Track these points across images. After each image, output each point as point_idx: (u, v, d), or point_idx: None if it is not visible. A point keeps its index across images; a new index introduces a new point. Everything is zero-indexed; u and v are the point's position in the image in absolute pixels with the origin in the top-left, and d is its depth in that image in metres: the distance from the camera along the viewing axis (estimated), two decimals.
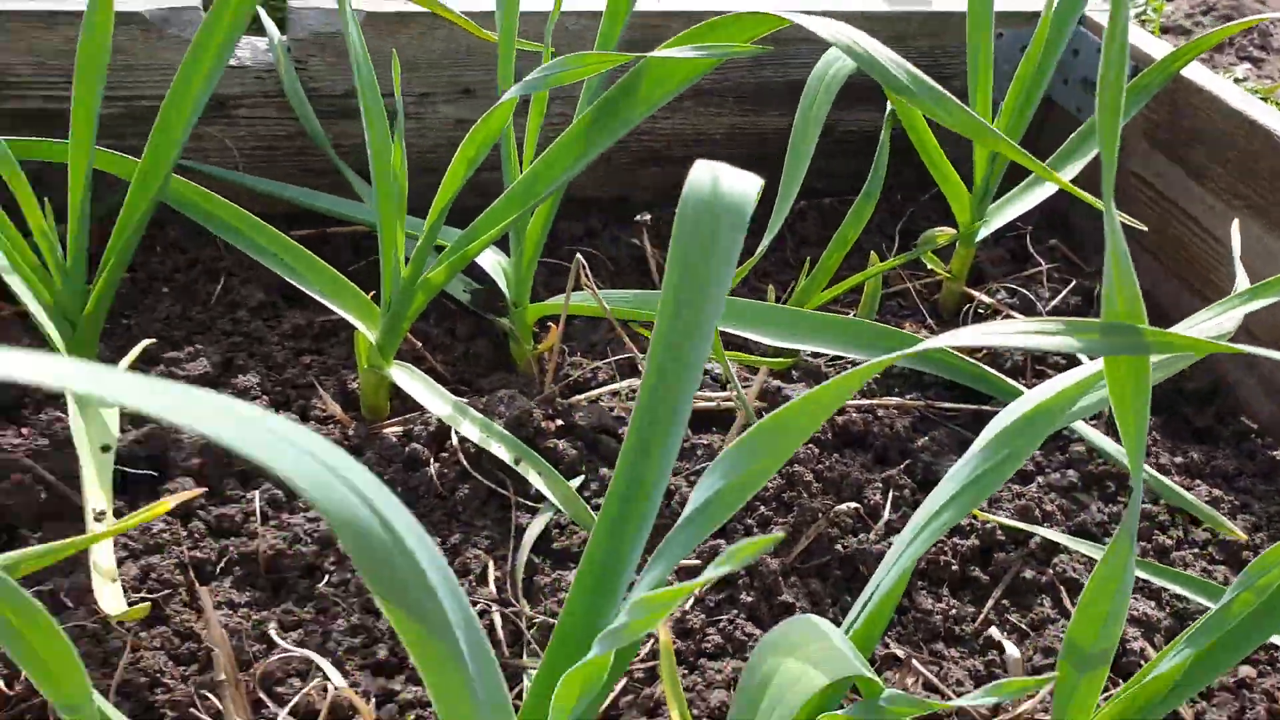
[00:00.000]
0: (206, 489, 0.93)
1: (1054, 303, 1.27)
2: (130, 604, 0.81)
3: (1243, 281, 0.94)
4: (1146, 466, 1.05)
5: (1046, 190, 1.22)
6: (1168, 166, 1.30)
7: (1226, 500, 1.06)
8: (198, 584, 0.88)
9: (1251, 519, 1.06)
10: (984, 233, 1.23)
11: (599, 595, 0.58)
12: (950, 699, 0.74)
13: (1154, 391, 1.21)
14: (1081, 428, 1.06)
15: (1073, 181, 1.08)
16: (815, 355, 1.16)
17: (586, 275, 1.02)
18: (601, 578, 0.58)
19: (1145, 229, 1.18)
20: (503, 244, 1.13)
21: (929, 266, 1.26)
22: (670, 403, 0.58)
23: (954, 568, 0.98)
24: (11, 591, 0.49)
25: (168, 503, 0.77)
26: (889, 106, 1.18)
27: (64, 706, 0.54)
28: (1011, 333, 0.59)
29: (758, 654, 0.55)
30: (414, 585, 0.43)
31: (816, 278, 1.17)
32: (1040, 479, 1.08)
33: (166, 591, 0.87)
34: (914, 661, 0.88)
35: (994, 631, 0.93)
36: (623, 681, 0.86)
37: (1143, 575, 0.92)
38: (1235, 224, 1.05)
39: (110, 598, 0.79)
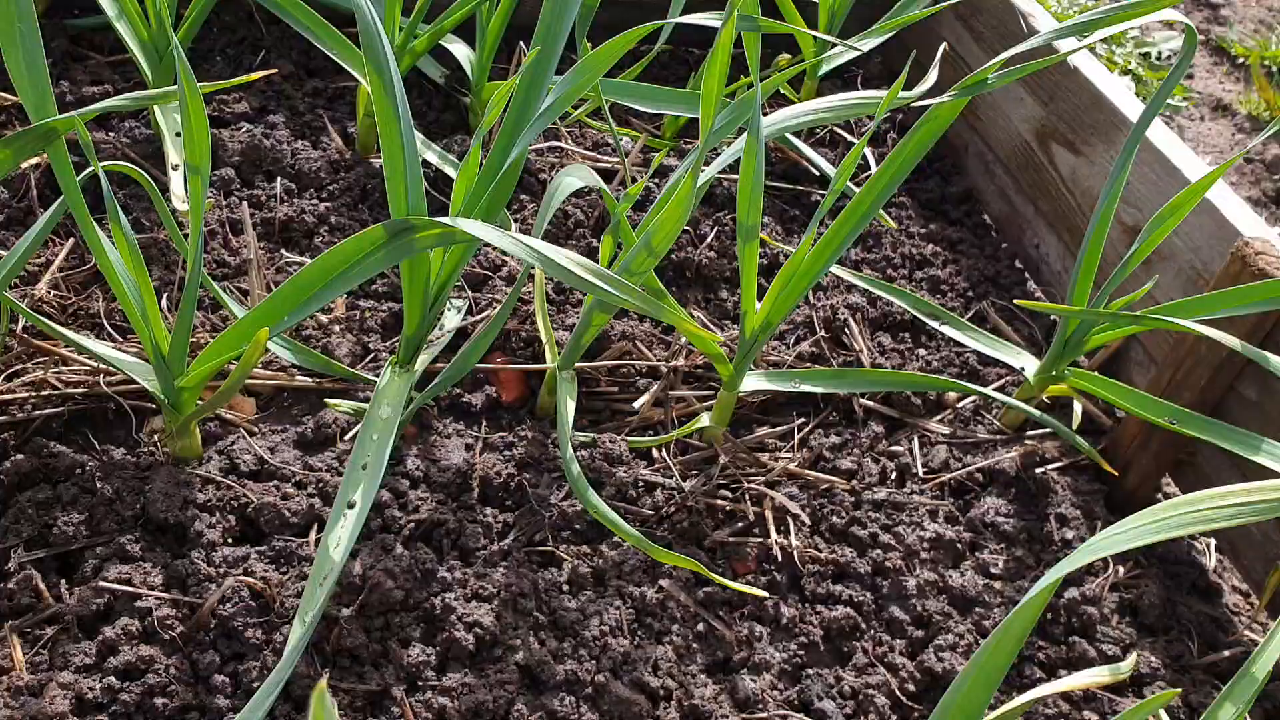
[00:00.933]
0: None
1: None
2: None
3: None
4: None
5: (872, 42, 1.63)
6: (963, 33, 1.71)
7: (943, 253, 1.52)
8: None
9: (953, 262, 1.51)
10: (825, 69, 1.64)
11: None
12: None
13: (925, 195, 1.65)
14: None
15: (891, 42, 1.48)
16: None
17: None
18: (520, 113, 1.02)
19: None
20: (471, 40, 1.54)
21: (783, 92, 1.68)
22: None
23: None
24: None
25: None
26: None
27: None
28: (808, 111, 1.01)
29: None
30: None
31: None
32: None
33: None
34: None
35: None
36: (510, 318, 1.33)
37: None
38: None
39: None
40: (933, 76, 1.21)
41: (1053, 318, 1.50)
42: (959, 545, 1.22)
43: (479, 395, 1.27)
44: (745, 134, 1.10)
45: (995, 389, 1.39)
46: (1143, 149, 1.33)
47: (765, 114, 1.39)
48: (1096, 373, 1.33)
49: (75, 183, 0.95)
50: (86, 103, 1.43)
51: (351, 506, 0.97)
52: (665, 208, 0.91)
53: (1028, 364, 1.34)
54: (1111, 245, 1.36)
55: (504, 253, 1.43)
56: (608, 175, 1.58)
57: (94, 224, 0.97)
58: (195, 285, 0.99)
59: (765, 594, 1.07)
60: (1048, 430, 1.34)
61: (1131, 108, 1.40)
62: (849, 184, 1.48)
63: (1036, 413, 1.28)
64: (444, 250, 1.08)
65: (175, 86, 0.92)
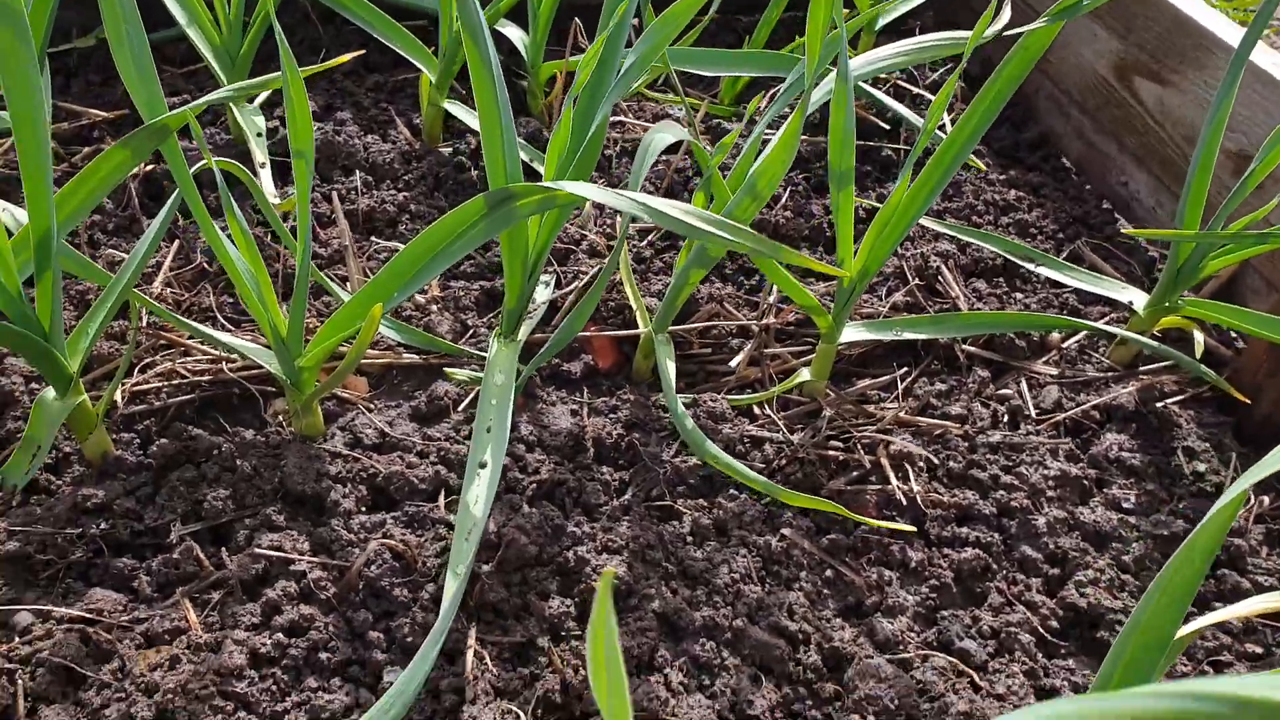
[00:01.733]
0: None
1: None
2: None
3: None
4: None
5: None
6: None
7: (1026, 197, 1.64)
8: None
9: (1038, 206, 1.63)
10: (882, 23, 1.78)
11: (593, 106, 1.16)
12: None
13: (999, 143, 1.78)
14: None
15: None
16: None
17: (582, 36, 1.59)
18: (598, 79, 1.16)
19: None
20: (524, 23, 1.70)
21: None
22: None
23: None
24: None
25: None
26: None
27: None
28: (890, 55, 1.14)
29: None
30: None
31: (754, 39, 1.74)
32: None
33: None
34: None
35: None
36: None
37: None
38: None
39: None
40: (1006, 13, 1.34)
41: (1151, 252, 1.62)
42: (1085, 482, 1.33)
43: (577, 364, 1.41)
44: (829, 80, 1.23)
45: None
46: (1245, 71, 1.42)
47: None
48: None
49: (189, 178, 1.09)
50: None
51: (483, 466, 1.10)
52: (771, 150, 1.04)
53: (1136, 298, 1.45)
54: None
55: (582, 227, 1.57)
56: (672, 144, 1.72)
57: (210, 217, 1.12)
58: (307, 267, 1.14)
59: (912, 528, 1.18)
60: (1162, 364, 1.45)
61: (1222, 28, 1.49)
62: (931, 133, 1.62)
63: (1155, 344, 1.39)
64: (539, 220, 1.22)
65: (276, 74, 1.07)
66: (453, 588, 0.97)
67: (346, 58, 1.14)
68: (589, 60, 1.06)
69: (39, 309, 1.03)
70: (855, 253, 1.26)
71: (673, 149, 1.69)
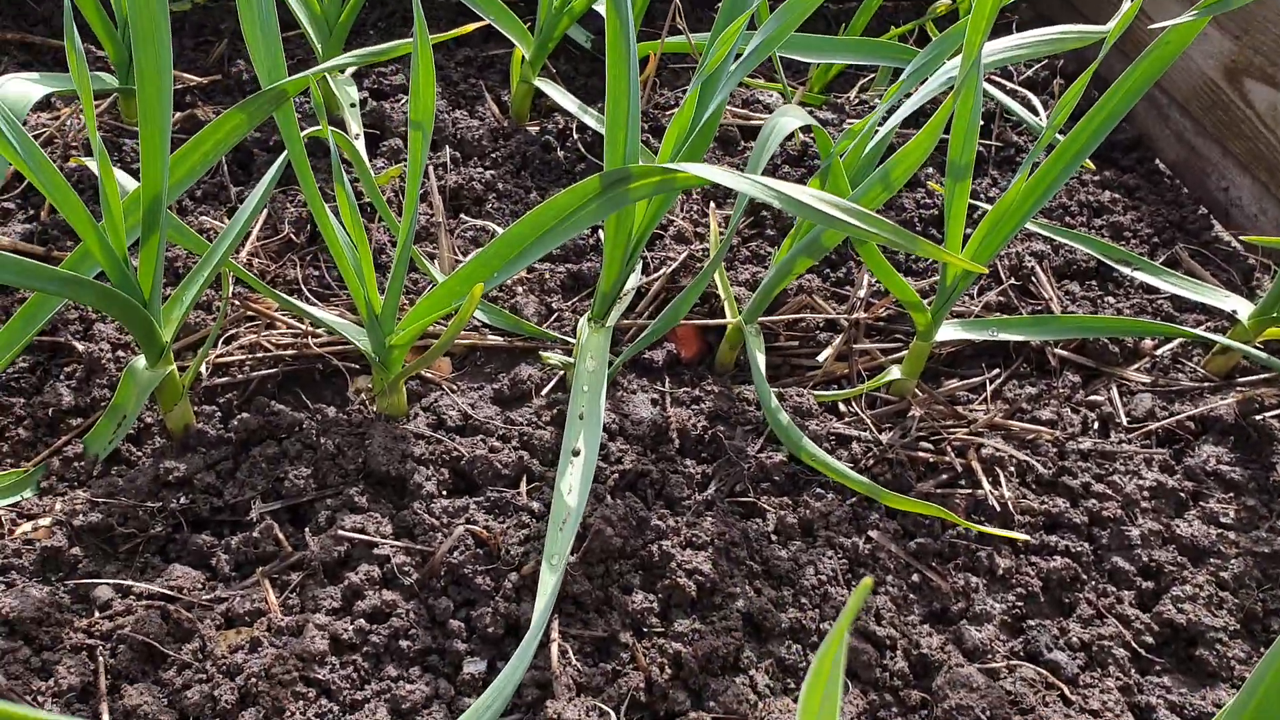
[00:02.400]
0: None
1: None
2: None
3: None
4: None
5: None
6: None
7: (1121, 199, 1.54)
8: None
9: (1132, 209, 1.54)
10: None
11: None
12: None
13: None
14: None
15: None
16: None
17: (681, 18, 1.51)
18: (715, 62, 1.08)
19: None
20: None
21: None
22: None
23: None
24: None
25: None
26: None
27: None
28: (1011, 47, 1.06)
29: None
30: None
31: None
32: None
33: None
34: None
35: None
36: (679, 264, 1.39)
37: None
38: None
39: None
40: (1125, 7, 1.25)
41: (1250, 260, 1.52)
42: (1181, 494, 1.24)
43: (659, 352, 1.34)
44: (943, 71, 1.15)
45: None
46: None
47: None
48: None
49: (301, 146, 1.04)
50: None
51: (576, 454, 1.04)
52: (914, 139, 0.96)
53: (1239, 306, 1.36)
54: None
55: (669, 212, 1.50)
56: (759, 132, 1.64)
57: (316, 186, 1.06)
58: (410, 242, 1.07)
59: (1024, 536, 1.11)
60: (1261, 376, 1.35)
61: None
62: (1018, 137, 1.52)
63: (1263, 355, 1.30)
64: (645, 204, 1.15)
65: (406, 40, 1.01)
66: (550, 581, 0.91)
67: (470, 27, 1.08)
68: (726, 39, 0.98)
69: (141, 274, 0.98)
70: (962, 248, 1.18)
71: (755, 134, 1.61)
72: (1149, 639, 1.12)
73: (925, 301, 1.24)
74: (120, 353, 1.22)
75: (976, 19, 0.96)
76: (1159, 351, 1.41)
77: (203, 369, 1.20)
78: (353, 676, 0.98)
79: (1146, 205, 1.61)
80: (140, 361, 1.08)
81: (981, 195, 1.59)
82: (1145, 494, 1.24)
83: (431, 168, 1.48)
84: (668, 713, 1.00)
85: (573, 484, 1.01)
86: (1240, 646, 1.12)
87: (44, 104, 1.48)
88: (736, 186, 0.88)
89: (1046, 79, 1.80)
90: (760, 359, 1.23)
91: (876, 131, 1.19)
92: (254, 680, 0.94)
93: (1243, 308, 1.36)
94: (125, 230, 0.98)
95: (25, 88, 1.22)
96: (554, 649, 1.02)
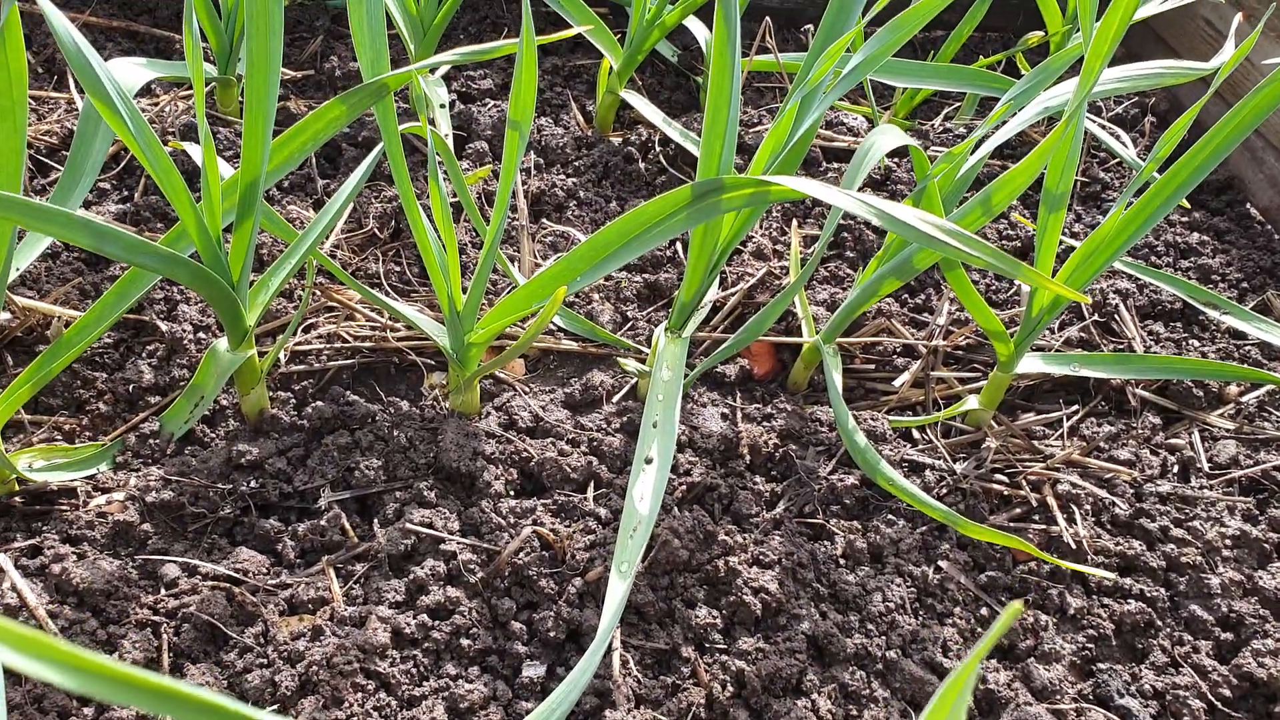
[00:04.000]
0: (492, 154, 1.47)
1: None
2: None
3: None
4: None
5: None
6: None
7: (1210, 242, 1.48)
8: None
9: (1221, 252, 1.47)
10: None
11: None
12: None
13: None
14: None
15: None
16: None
17: (770, 37, 1.48)
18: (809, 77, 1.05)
19: None
20: (708, 21, 1.60)
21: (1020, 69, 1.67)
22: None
23: None
24: None
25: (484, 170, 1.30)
26: None
27: None
28: (1113, 80, 1.02)
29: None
30: None
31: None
32: None
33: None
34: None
35: None
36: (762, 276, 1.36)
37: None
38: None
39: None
40: (1230, 46, 1.20)
41: None
42: (1265, 545, 1.17)
43: (731, 367, 1.30)
44: (1034, 105, 1.11)
45: None
46: None
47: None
48: None
49: (399, 141, 1.02)
50: (354, 77, 1.54)
51: (649, 462, 1.01)
52: (1019, 165, 0.92)
53: None
54: None
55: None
56: (843, 155, 1.61)
57: (409, 180, 1.05)
58: (498, 241, 1.05)
59: (1109, 575, 1.05)
60: None
61: None
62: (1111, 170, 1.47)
63: None
64: (733, 216, 1.11)
65: (512, 40, 0.99)
66: (619, 588, 0.88)
67: (571, 32, 1.05)
68: (831, 55, 0.95)
69: (232, 257, 0.97)
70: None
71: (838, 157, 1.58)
72: (1226, 692, 1.06)
73: (1008, 332, 1.19)
74: (201, 334, 1.21)
75: (1099, 45, 0.92)
76: (1245, 399, 1.34)
77: (281, 356, 1.19)
78: (412, 672, 0.95)
79: (1236, 249, 1.54)
80: (223, 343, 1.07)
81: (1065, 230, 1.54)
82: (1227, 542, 1.17)
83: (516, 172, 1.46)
84: None
85: (644, 492, 0.97)
86: None
87: (145, 91, 1.49)
88: (836, 202, 0.84)
89: (1136, 117, 1.74)
90: (837, 378, 1.18)
91: (968, 157, 1.15)
92: (315, 668, 0.92)
93: None
94: (221, 213, 0.97)
95: (133, 71, 1.23)
96: (615, 658, 0.98)
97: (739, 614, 1.04)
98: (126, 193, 1.35)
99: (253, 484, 1.08)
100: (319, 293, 1.23)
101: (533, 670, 0.98)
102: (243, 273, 0.99)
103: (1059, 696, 1.04)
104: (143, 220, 1.31)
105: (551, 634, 0.99)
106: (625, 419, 1.19)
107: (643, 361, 1.23)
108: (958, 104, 1.71)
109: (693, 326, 1.25)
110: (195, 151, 1.19)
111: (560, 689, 0.77)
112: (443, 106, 1.42)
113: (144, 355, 1.19)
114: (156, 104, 1.43)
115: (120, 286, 1.02)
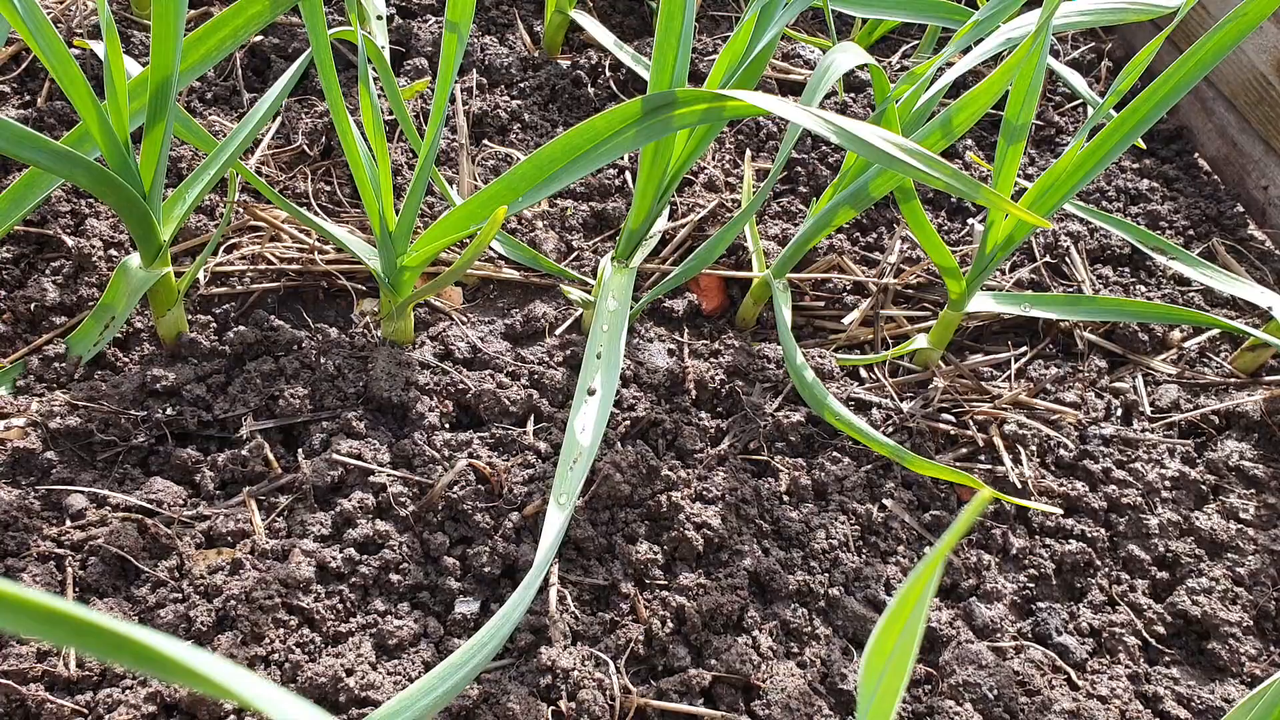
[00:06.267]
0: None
1: None
2: None
3: None
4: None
5: None
6: None
7: (1159, 189, 1.46)
8: None
9: (1170, 199, 1.46)
10: None
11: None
12: None
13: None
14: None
15: None
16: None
17: None
18: None
19: None
20: None
21: None
22: None
23: None
24: None
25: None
26: None
27: None
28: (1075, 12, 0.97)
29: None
30: None
31: None
32: None
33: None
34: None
35: None
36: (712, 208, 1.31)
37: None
38: None
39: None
40: None
41: None
42: (1203, 487, 1.17)
43: (679, 301, 1.25)
44: (1001, 33, 1.06)
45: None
46: None
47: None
48: None
49: (327, 44, 0.94)
50: None
51: (592, 394, 0.96)
52: (979, 86, 0.88)
53: (1275, 304, 1.28)
54: None
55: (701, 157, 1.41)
56: (799, 88, 1.55)
57: (339, 88, 0.97)
58: (432, 158, 0.98)
59: (1057, 510, 1.04)
60: None
61: None
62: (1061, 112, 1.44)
63: None
64: (686, 136, 1.06)
65: None
66: (557, 520, 0.83)
67: None
68: None
69: (143, 164, 0.89)
70: (1004, 218, 1.10)
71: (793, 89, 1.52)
72: (1160, 629, 1.06)
73: (961, 270, 1.16)
74: (113, 252, 1.12)
75: None
76: (1187, 344, 1.33)
77: (200, 276, 1.11)
78: (338, 607, 0.90)
79: (1184, 197, 1.53)
80: (134, 260, 0.98)
81: (1019, 172, 1.51)
82: (1166, 484, 1.17)
83: (457, 90, 1.38)
84: (666, 668, 0.93)
85: (586, 423, 0.93)
86: (1252, 643, 1.06)
87: None
88: (795, 118, 0.79)
89: (1092, 62, 1.71)
90: (786, 314, 1.14)
91: (928, 88, 1.10)
92: (233, 603, 0.86)
93: (1278, 305, 1.29)
94: (129, 114, 0.88)
95: None
96: (552, 594, 0.94)
97: (680, 550, 1.00)
98: (29, 97, 1.24)
99: (169, 411, 1.00)
100: (242, 210, 1.15)
101: (466, 606, 0.94)
102: (155, 181, 0.91)
103: (999, 635, 1.02)
104: (46, 127, 1.20)
105: (486, 570, 0.95)
106: (569, 352, 1.14)
107: (588, 293, 1.18)
108: (917, 41, 1.66)
109: (641, 256, 1.20)
110: (103, 50, 1.09)
111: (492, 622, 0.72)
112: (380, 18, 1.33)
113: (48, 272, 1.10)
114: (63, 1, 1.32)
115: (14, 191, 0.93)
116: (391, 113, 1.30)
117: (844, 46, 0.99)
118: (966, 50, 1.45)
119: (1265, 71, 1.50)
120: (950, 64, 1.12)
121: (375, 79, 1.23)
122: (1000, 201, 0.77)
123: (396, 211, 1.02)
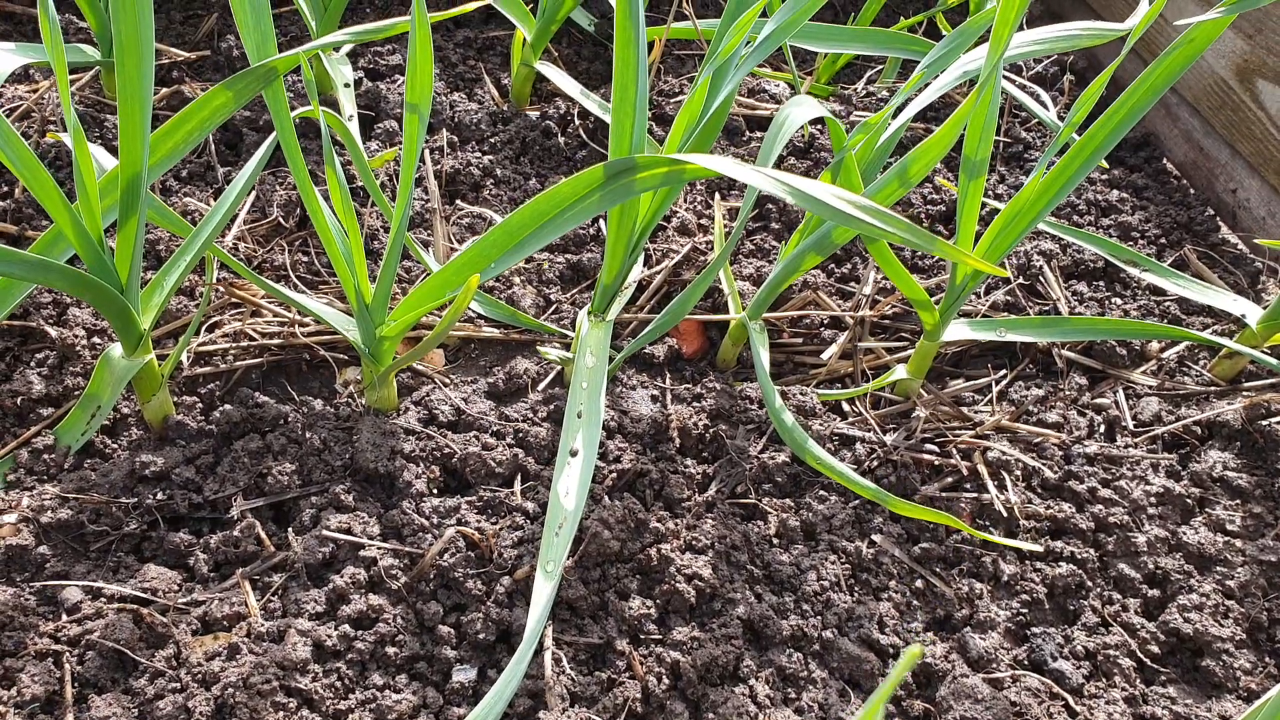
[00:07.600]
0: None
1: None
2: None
3: None
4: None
5: None
6: None
7: (1129, 199, 1.48)
8: None
9: (1140, 208, 1.47)
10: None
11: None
12: None
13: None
14: None
15: None
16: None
17: (688, 3, 1.43)
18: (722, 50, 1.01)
19: None
20: None
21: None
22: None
23: None
24: None
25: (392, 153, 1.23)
26: None
27: None
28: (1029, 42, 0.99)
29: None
30: None
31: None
32: None
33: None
34: None
35: None
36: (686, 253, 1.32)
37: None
38: None
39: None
40: (1144, 6, 1.18)
41: (1257, 263, 1.45)
42: (1188, 500, 1.18)
43: (660, 347, 1.26)
44: (957, 66, 1.08)
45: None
46: None
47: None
48: None
49: (291, 126, 0.96)
50: None
51: (574, 455, 0.97)
52: (935, 135, 0.89)
53: (1248, 310, 1.29)
54: None
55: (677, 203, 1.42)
56: (765, 124, 1.57)
57: (306, 168, 0.98)
58: (404, 229, 0.99)
59: (1036, 547, 1.04)
60: (1267, 381, 1.29)
61: None
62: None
63: (1274, 360, 1.23)
64: (651, 194, 1.07)
65: (403, 19, 0.92)
66: (545, 589, 0.84)
67: (470, 6, 0.99)
68: (742, 25, 0.90)
69: (118, 258, 0.90)
70: (973, 246, 1.11)
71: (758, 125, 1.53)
72: (1155, 648, 1.06)
73: (933, 300, 1.17)
74: (96, 339, 1.13)
75: (1005, 12, 0.88)
76: (1165, 355, 1.34)
77: (184, 358, 1.12)
78: (336, 685, 0.90)
79: (1154, 205, 1.54)
80: (116, 349, 0.99)
81: (989, 192, 1.52)
82: (1152, 500, 1.18)
83: (428, 152, 1.39)
84: None
85: (570, 486, 0.93)
86: (1246, 657, 1.06)
87: (23, 76, 1.39)
88: (749, 181, 0.80)
89: (1055, 75, 1.73)
90: (764, 356, 1.15)
91: (888, 125, 1.11)
92: (231, 690, 0.86)
93: (1251, 312, 1.30)
94: (101, 211, 0.90)
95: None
96: (548, 657, 0.94)
97: (673, 602, 1.01)
98: (6, 188, 1.25)
99: (159, 496, 1.01)
100: (222, 289, 1.16)
101: (463, 674, 0.94)
102: (131, 274, 0.92)
103: (994, 665, 1.03)
104: (25, 219, 1.22)
105: (481, 636, 0.95)
106: (552, 407, 1.15)
107: (567, 347, 1.19)
108: (881, 66, 1.67)
109: (617, 308, 1.21)
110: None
111: (487, 699, 0.73)
112: (347, 86, 1.34)
113: (32, 364, 1.11)
114: (35, 90, 1.33)
115: None
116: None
117: (799, 100, 1.00)
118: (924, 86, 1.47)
119: (1225, 77, 1.51)
120: (908, 102, 1.13)
121: (342, 149, 1.24)
122: (956, 255, 0.78)
123: (373, 281, 1.03)
